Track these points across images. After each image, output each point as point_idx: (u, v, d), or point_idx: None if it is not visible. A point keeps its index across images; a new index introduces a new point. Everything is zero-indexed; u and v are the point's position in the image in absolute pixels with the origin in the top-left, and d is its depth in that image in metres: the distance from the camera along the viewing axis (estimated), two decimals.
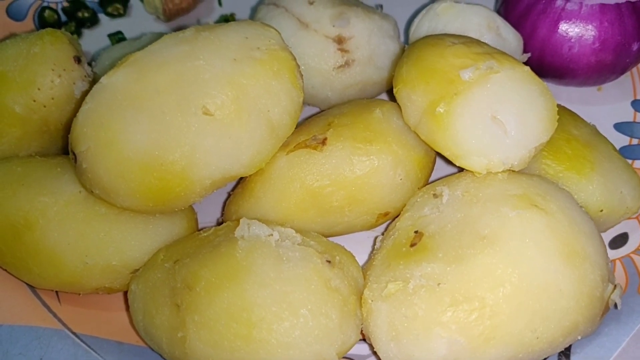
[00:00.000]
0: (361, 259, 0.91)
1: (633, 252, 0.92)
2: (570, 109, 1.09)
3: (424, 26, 1.00)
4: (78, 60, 0.92)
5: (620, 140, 1.06)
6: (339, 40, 1.01)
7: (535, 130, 0.80)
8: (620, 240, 0.94)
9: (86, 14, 1.26)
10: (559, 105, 0.95)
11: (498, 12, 1.11)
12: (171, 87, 0.78)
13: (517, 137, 0.80)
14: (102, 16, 1.27)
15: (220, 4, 1.29)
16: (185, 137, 0.77)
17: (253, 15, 1.07)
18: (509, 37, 0.99)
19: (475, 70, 0.80)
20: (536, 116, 0.81)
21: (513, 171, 0.82)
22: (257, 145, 0.81)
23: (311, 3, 1.03)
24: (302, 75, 0.86)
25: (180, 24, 1.26)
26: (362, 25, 1.02)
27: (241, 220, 0.79)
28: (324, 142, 0.85)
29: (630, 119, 1.09)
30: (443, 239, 0.77)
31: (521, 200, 0.77)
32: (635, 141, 1.06)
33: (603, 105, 1.11)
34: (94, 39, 1.25)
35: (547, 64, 1.06)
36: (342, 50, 1.01)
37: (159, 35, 1.01)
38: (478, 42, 0.86)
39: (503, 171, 0.81)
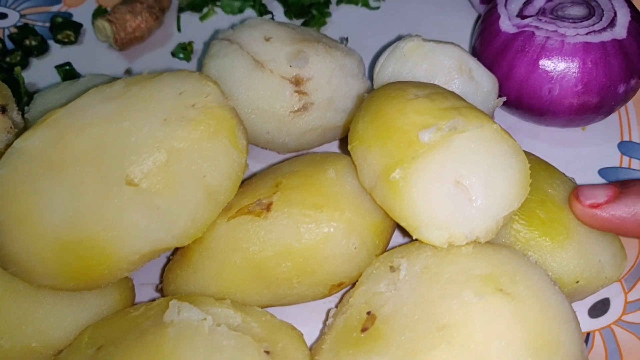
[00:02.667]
0: (315, 329, 0.83)
1: (614, 323, 0.84)
2: (552, 151, 1.01)
3: (389, 67, 0.91)
4: (3, 109, 0.83)
5: None
6: (297, 82, 0.92)
7: (504, 197, 0.72)
8: (600, 308, 0.85)
9: (34, 42, 1.17)
10: (534, 157, 0.87)
11: (474, 47, 1.02)
12: (93, 153, 0.69)
13: (484, 206, 0.71)
14: (52, 43, 1.19)
15: (179, 29, 1.20)
16: (107, 211, 0.69)
17: (207, 50, 0.97)
18: (482, 80, 0.90)
19: (436, 131, 0.71)
20: (506, 181, 0.72)
21: (479, 243, 0.73)
22: (192, 213, 0.73)
23: (267, 40, 0.94)
24: (246, 132, 0.78)
25: (135, 52, 1.17)
26: (322, 65, 0.93)
27: (170, 303, 0.70)
28: (268, 207, 0.76)
29: (617, 164, 1.00)
30: (398, 325, 0.69)
31: (486, 283, 0.68)
32: None
33: (587, 147, 1.02)
34: (42, 68, 1.15)
35: (525, 105, 0.97)
36: (299, 92, 0.92)
37: (101, 78, 0.93)
38: (444, 95, 0.77)
39: (468, 243, 0.72)
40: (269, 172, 0.84)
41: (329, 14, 1.20)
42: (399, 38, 0.95)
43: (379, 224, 0.79)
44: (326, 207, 0.76)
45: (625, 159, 1.01)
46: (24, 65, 1.15)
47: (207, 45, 1.14)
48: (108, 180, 0.69)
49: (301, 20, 1.19)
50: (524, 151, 0.87)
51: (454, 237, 0.71)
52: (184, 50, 1.16)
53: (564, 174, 0.88)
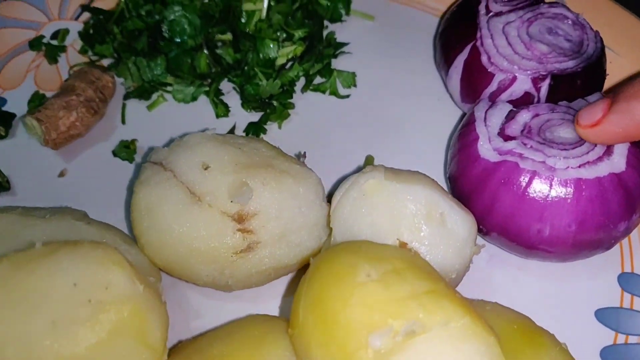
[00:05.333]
0: None
1: None
2: (542, 287, 0.87)
3: (346, 205, 0.77)
4: None
5: (604, 336, 0.83)
6: (240, 219, 0.79)
7: None
8: None
9: None
10: (518, 325, 0.74)
11: (450, 166, 0.88)
12: None
13: None
14: None
15: (123, 121, 1.06)
16: None
17: (138, 173, 0.84)
18: (456, 227, 0.75)
19: (391, 336, 0.58)
20: None
21: None
22: None
23: (206, 168, 0.80)
24: (165, 319, 0.65)
25: (73, 148, 1.03)
26: (270, 197, 0.79)
27: None
28: None
29: (617, 303, 0.86)
30: None
31: None
32: (621, 338, 0.83)
33: (583, 281, 0.88)
34: None
35: (512, 242, 0.82)
36: (243, 230, 0.79)
37: (4, 219, 0.80)
38: (403, 274, 0.63)
39: None
40: (197, 349, 0.70)
41: (292, 105, 1.06)
42: (360, 167, 0.82)
43: None
44: None
45: (627, 296, 0.87)
46: None
47: (138, 167, 1.00)
48: None
49: (260, 114, 1.05)
50: (504, 309, 0.76)
51: None
52: (126, 149, 1.02)
53: (553, 337, 0.74)
